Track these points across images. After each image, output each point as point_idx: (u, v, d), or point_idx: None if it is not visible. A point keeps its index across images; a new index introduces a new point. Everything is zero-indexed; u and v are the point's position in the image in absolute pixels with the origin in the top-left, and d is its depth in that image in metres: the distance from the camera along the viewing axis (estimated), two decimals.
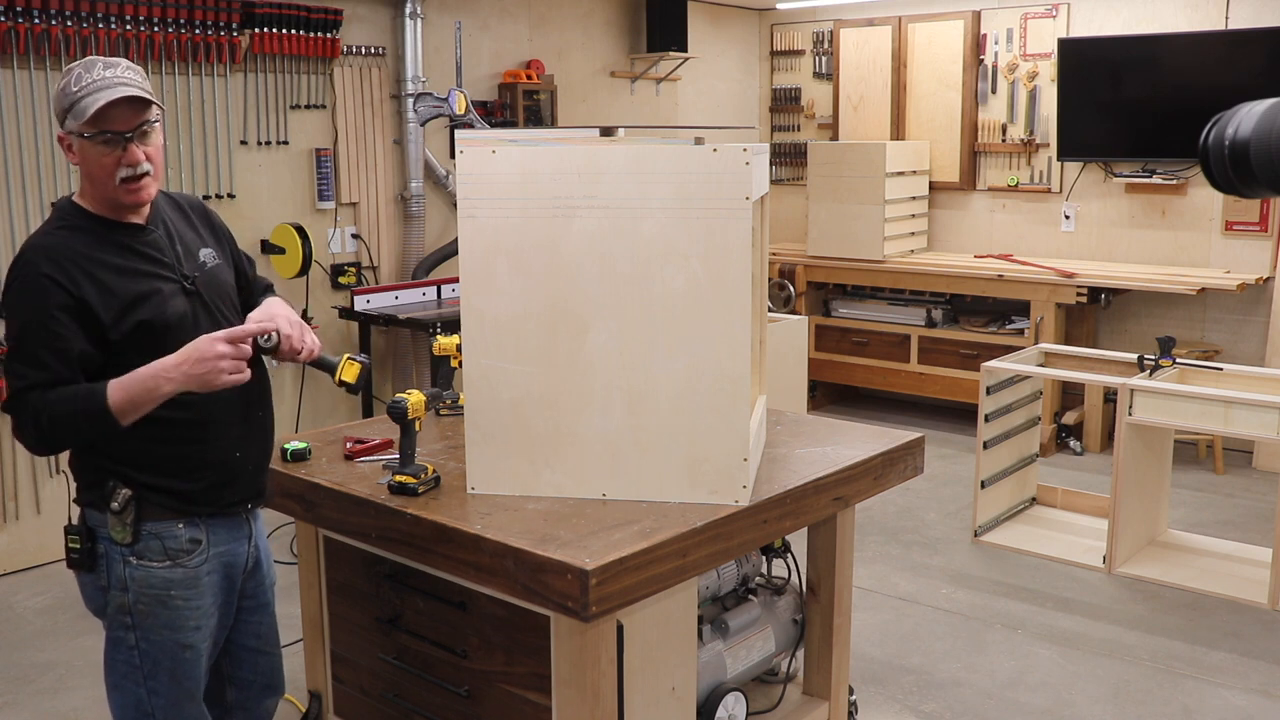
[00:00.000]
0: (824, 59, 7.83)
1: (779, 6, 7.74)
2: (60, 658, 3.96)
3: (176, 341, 2.20)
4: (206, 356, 2.14)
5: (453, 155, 2.74)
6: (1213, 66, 6.19)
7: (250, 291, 2.58)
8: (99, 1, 4.65)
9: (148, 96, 2.20)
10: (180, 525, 2.29)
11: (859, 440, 3.00)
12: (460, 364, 2.80)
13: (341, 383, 2.50)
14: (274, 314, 2.37)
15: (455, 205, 3.45)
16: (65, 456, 2.37)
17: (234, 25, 5.10)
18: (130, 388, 2.13)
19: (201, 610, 2.34)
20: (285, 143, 5.45)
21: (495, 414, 2.51)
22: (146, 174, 2.22)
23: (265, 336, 2.31)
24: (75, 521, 2.30)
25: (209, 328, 2.27)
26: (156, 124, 2.24)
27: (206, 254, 2.39)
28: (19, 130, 4.60)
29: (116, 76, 2.16)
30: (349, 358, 2.49)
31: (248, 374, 2.21)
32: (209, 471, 2.31)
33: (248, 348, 2.21)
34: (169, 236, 2.33)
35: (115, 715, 2.38)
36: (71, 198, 2.28)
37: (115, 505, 2.22)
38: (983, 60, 7.09)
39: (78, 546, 2.27)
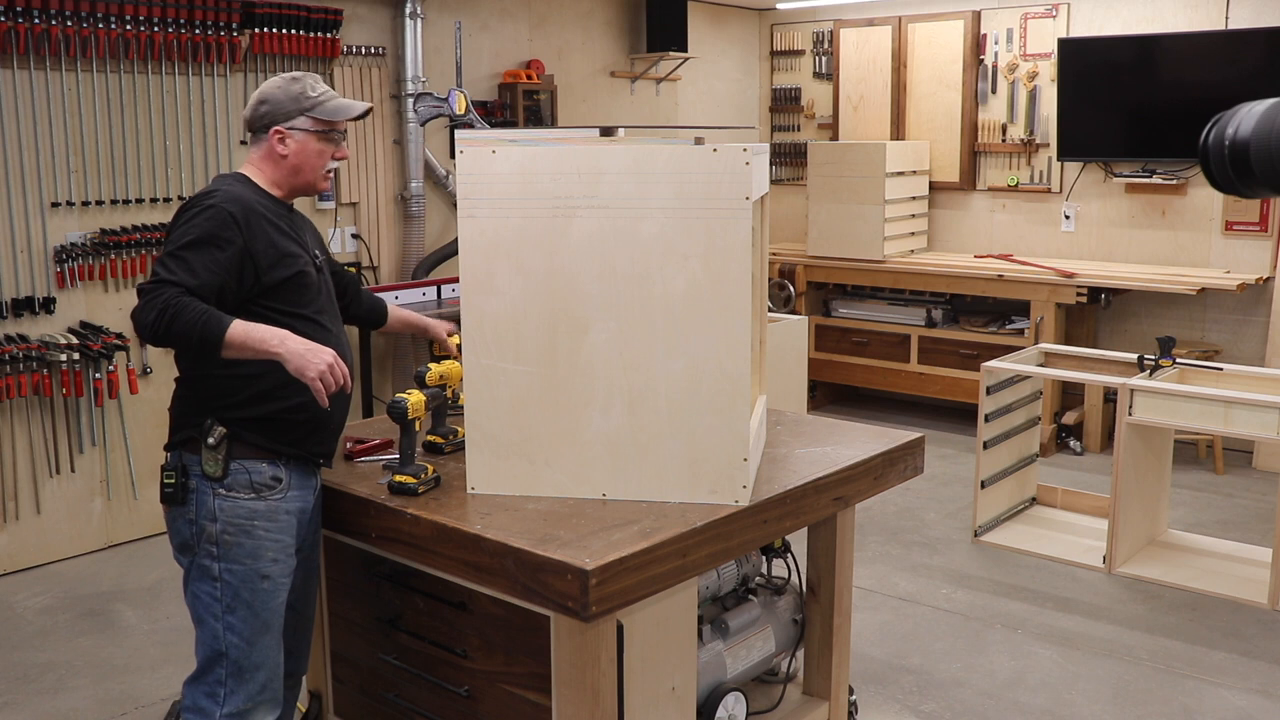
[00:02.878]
0: (824, 59, 7.83)
1: (779, 6, 7.74)
2: (60, 658, 3.96)
3: (311, 298, 2.60)
4: (318, 354, 2.41)
5: (453, 155, 2.78)
6: (1213, 66, 6.19)
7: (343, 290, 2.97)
8: (99, 1, 4.65)
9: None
10: (265, 464, 2.52)
11: (859, 440, 3.00)
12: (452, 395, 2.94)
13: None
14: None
15: (455, 205, 3.45)
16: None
17: (234, 25, 5.10)
18: (250, 334, 2.39)
19: (280, 545, 2.54)
20: None
21: (495, 414, 2.51)
22: (337, 167, 2.75)
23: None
24: (169, 461, 2.54)
25: (327, 298, 2.69)
26: None
27: (319, 251, 2.75)
28: (19, 130, 4.60)
29: (334, 91, 2.68)
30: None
31: (324, 401, 2.42)
32: (298, 410, 2.51)
33: (342, 378, 2.44)
34: (302, 224, 2.73)
35: (198, 646, 2.56)
36: (242, 175, 2.63)
37: (211, 440, 2.47)
38: (983, 60, 7.09)
39: (172, 482, 2.50)
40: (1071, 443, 6.37)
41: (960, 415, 6.80)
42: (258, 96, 2.63)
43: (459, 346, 2.96)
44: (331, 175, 2.71)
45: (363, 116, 2.69)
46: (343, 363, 2.46)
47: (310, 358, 2.39)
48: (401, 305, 5.51)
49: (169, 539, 2.58)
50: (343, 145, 2.70)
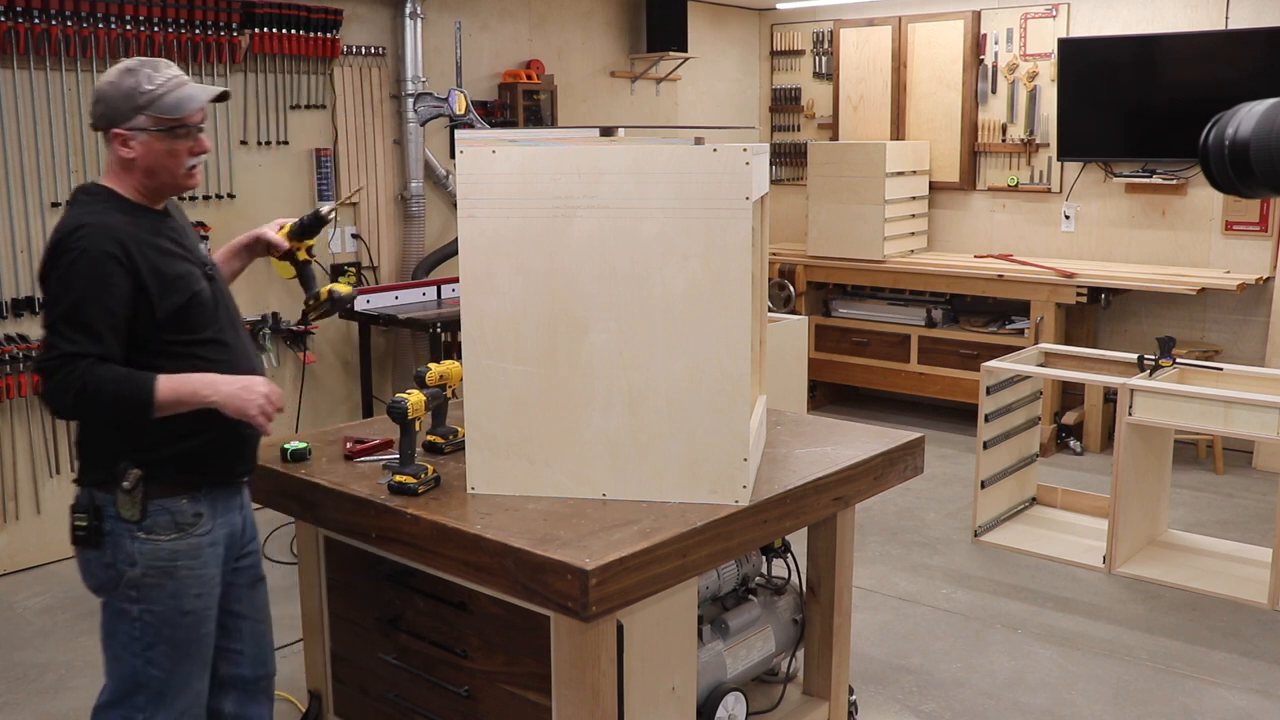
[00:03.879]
0: (824, 59, 7.83)
1: (779, 6, 7.74)
2: (60, 658, 3.96)
3: (208, 318, 2.41)
4: (254, 389, 2.33)
5: (453, 155, 2.75)
6: (1213, 66, 6.19)
7: None
8: (99, 1, 4.65)
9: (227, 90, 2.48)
10: (184, 500, 2.40)
11: (859, 440, 3.00)
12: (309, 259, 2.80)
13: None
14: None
15: (455, 205, 3.45)
16: (59, 448, 2.41)
17: (234, 25, 5.10)
18: (180, 389, 2.29)
19: (204, 579, 2.45)
20: (285, 143, 5.45)
21: (495, 414, 2.51)
22: (201, 162, 2.44)
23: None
24: (79, 500, 2.39)
25: (225, 313, 2.48)
26: None
27: (204, 249, 2.55)
28: (19, 130, 4.60)
29: (182, 77, 2.38)
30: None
31: (269, 430, 2.38)
32: (219, 439, 2.40)
33: (279, 402, 2.38)
34: (181, 227, 2.49)
35: (111, 683, 2.48)
36: (101, 184, 2.39)
37: (126, 484, 2.32)
38: (983, 60, 7.09)
39: (84, 524, 2.36)
40: (1071, 443, 6.36)
41: (960, 415, 6.80)
42: (93, 94, 2.36)
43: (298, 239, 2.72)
44: (198, 171, 2.42)
45: (219, 99, 2.43)
46: (276, 388, 2.37)
47: (247, 395, 2.31)
48: (401, 305, 5.53)
49: (81, 576, 2.45)
50: (201, 138, 2.39)
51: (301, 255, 2.74)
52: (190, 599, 2.42)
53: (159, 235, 2.37)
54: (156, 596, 2.38)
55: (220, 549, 2.48)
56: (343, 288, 2.71)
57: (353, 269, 5.76)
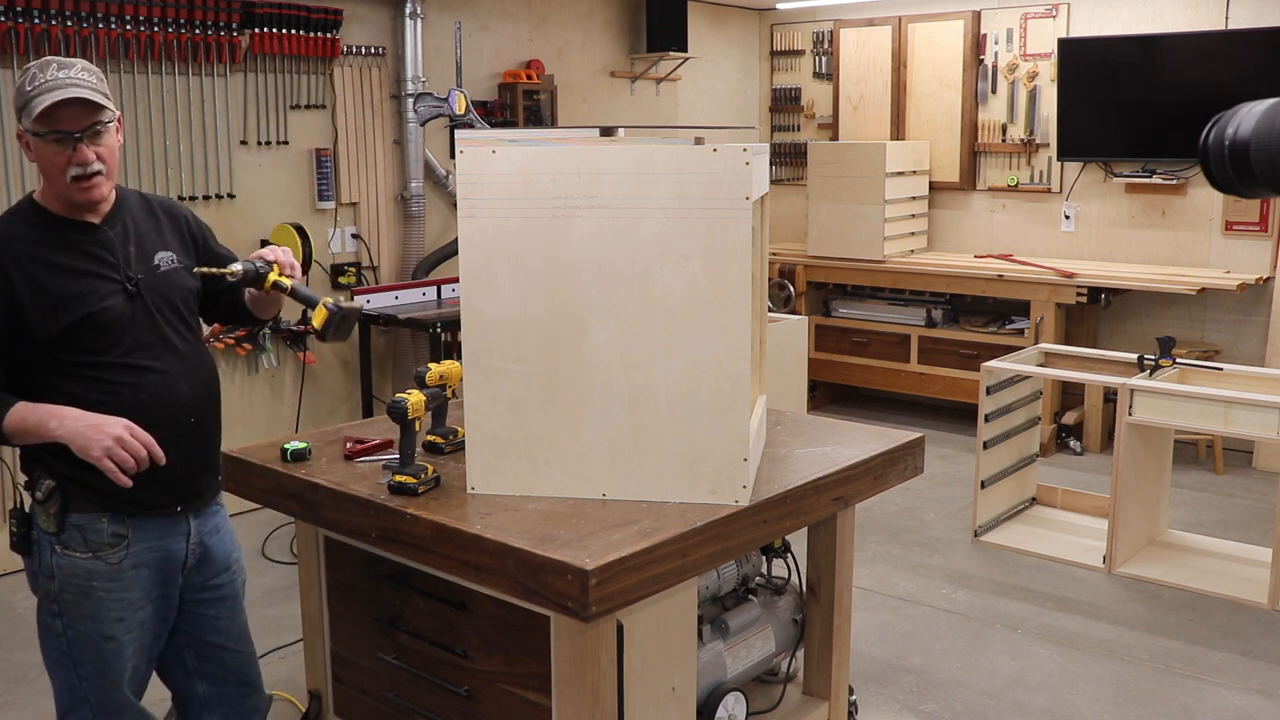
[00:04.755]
0: (824, 59, 7.83)
1: (779, 6, 7.74)
2: None
3: (114, 339, 2.29)
4: (102, 429, 2.19)
5: (453, 155, 2.73)
6: (1213, 66, 6.19)
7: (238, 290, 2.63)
8: (99, 1, 4.65)
9: (97, 99, 2.24)
10: (104, 519, 2.34)
11: (859, 440, 3.00)
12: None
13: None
14: (259, 252, 2.49)
15: (455, 205, 3.45)
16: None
17: (234, 25, 5.10)
18: (27, 418, 2.21)
19: (126, 603, 2.38)
20: (285, 143, 5.45)
21: (495, 414, 2.51)
22: (98, 173, 2.27)
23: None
24: (24, 506, 2.37)
25: (146, 329, 2.36)
26: (110, 125, 2.29)
27: (163, 257, 2.45)
28: None
29: (69, 78, 2.21)
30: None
31: (127, 481, 2.21)
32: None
33: (144, 453, 2.23)
34: (124, 236, 2.38)
35: (55, 693, 2.46)
36: (33, 195, 2.35)
37: (39, 495, 2.29)
38: (983, 60, 7.09)
39: (15, 530, 2.35)
40: (1071, 443, 6.36)
41: (960, 415, 6.80)
42: None
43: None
44: (93, 185, 2.26)
45: (71, 103, 2.18)
46: (143, 432, 2.21)
47: (92, 435, 2.16)
48: (401, 305, 5.54)
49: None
50: (81, 149, 2.22)
51: (283, 294, 2.57)
52: (111, 623, 2.36)
53: (64, 250, 2.26)
54: (75, 615, 2.35)
55: (147, 572, 2.41)
56: (315, 319, 2.53)
57: (352, 269, 5.76)
